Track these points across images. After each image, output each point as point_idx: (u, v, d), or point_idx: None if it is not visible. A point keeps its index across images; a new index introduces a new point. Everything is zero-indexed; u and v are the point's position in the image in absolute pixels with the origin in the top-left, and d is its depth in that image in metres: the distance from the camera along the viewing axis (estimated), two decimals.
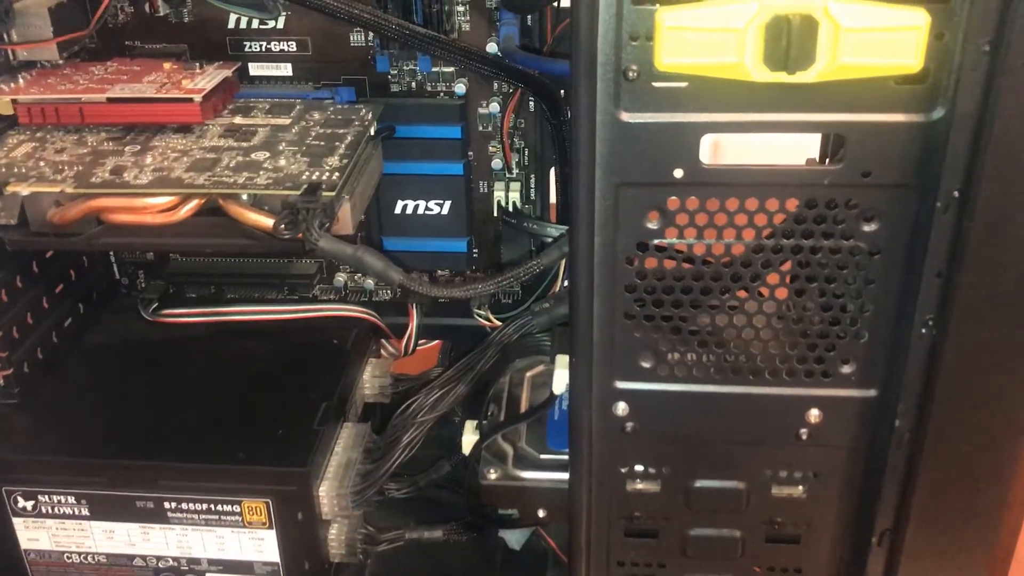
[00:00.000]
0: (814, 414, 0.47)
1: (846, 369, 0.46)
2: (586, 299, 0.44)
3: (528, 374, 0.59)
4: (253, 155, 0.51)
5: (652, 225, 0.42)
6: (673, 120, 0.40)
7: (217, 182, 0.48)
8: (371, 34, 0.58)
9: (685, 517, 0.51)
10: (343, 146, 0.52)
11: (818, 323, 0.45)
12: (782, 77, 0.38)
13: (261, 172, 0.49)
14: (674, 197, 0.42)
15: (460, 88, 0.60)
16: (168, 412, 0.57)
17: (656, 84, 0.39)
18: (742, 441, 0.49)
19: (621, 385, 0.47)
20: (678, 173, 0.41)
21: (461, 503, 0.65)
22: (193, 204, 0.48)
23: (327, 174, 0.49)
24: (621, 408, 0.47)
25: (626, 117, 0.40)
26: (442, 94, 0.60)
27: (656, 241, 0.43)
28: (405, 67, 0.60)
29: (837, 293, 0.44)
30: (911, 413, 0.46)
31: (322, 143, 0.52)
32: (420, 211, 0.63)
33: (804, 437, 0.48)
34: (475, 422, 0.59)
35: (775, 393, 0.47)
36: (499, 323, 0.63)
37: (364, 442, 0.58)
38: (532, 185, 0.63)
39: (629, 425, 0.48)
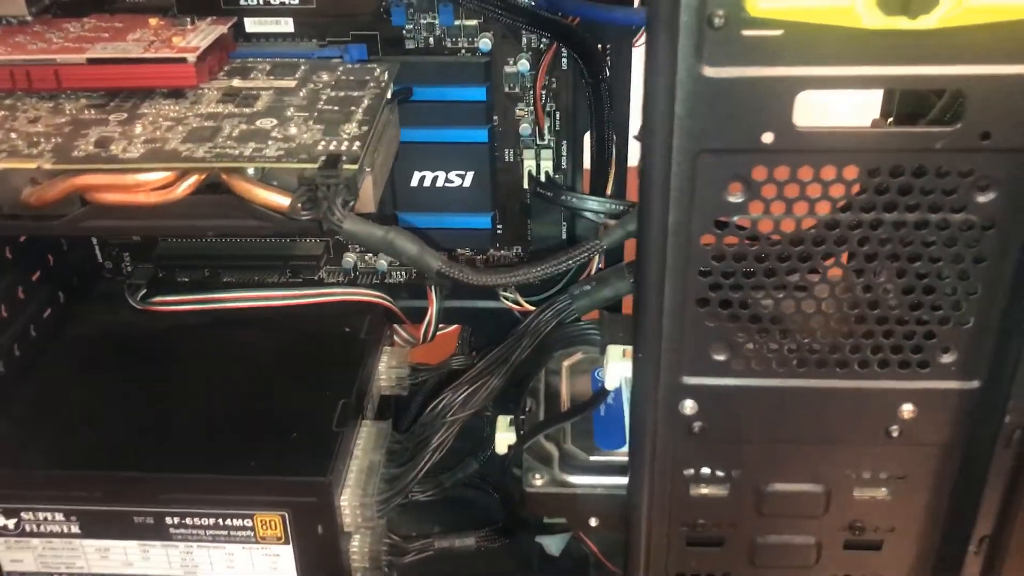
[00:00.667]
0: (907, 409, 0.42)
1: (946, 359, 0.41)
2: (656, 285, 0.39)
3: (565, 363, 0.54)
4: (258, 123, 0.45)
5: (733, 198, 0.37)
6: (764, 75, 0.35)
7: (220, 154, 0.42)
8: None
9: (755, 523, 0.46)
10: (360, 111, 0.46)
11: (918, 307, 0.40)
12: (899, 23, 0.33)
13: (270, 142, 0.43)
14: (761, 165, 0.36)
15: (485, 44, 0.54)
16: (166, 415, 0.52)
17: (746, 33, 0.34)
18: (824, 440, 0.44)
19: (689, 381, 0.42)
20: (767, 137, 0.36)
21: (491, 504, 0.60)
22: (193, 180, 0.42)
23: (346, 143, 0.43)
24: (689, 406, 0.42)
25: (709, 72, 0.34)
26: (463, 51, 0.54)
27: (737, 218, 0.37)
28: (422, 20, 0.54)
29: (943, 274, 0.39)
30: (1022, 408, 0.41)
31: (336, 108, 0.47)
32: (439, 183, 0.57)
33: (895, 435, 0.44)
34: (509, 418, 0.54)
35: (865, 387, 0.42)
36: (530, 307, 0.58)
37: (386, 442, 0.53)
38: (564, 153, 0.57)
39: (697, 425, 0.43)
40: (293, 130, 0.44)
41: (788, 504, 0.46)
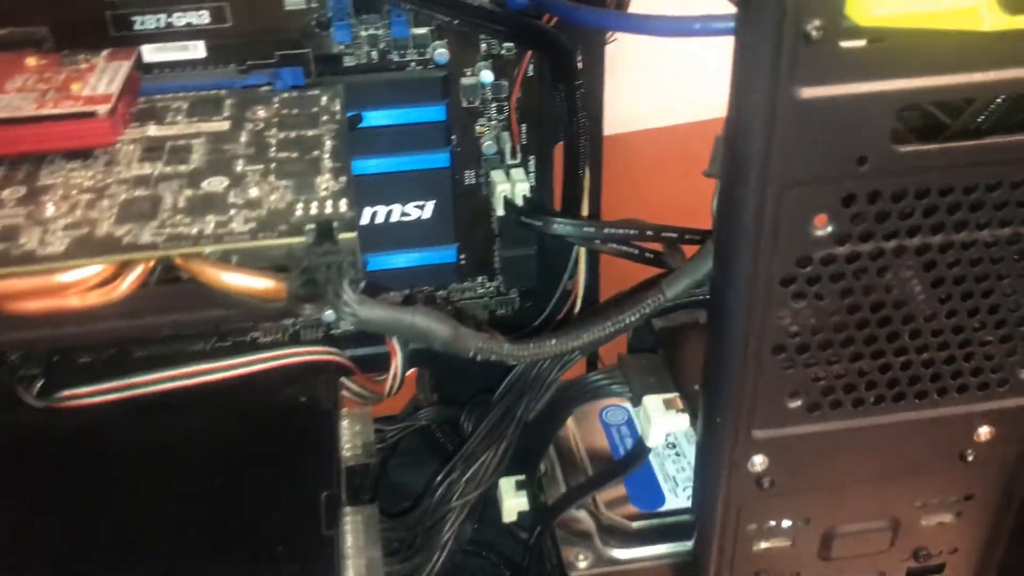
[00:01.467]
0: (984, 432, 0.39)
1: (1023, 374, 0.38)
2: (740, 335, 0.33)
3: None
4: (205, 184, 0.37)
5: (820, 232, 0.32)
6: (862, 92, 0.30)
7: (175, 237, 0.34)
8: None
9: (818, 569, 0.43)
10: (327, 156, 0.38)
11: (1002, 325, 0.36)
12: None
13: (232, 212, 0.35)
14: (853, 193, 0.32)
15: (441, 55, 0.47)
16: (108, 541, 0.43)
17: (845, 45, 0.29)
18: (896, 474, 0.40)
19: (760, 435, 0.37)
20: (864, 162, 0.31)
21: (487, 567, 0.54)
22: (139, 272, 0.33)
23: (329, 203, 0.35)
24: (759, 462, 0.38)
25: (806, 93, 0.29)
26: (414, 64, 0.47)
27: (821, 253, 0.33)
28: (363, 32, 0.46)
29: (1014, 286, 0.35)
30: None
31: (295, 155, 0.38)
32: (395, 218, 0.50)
33: (970, 459, 0.40)
34: (514, 479, 0.48)
35: (942, 414, 0.38)
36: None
37: (378, 532, 0.46)
38: (532, 169, 0.51)
39: (766, 480, 0.38)
40: (255, 192, 0.36)
41: (853, 545, 0.42)
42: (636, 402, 0.42)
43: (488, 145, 0.50)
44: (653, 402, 0.41)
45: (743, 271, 0.32)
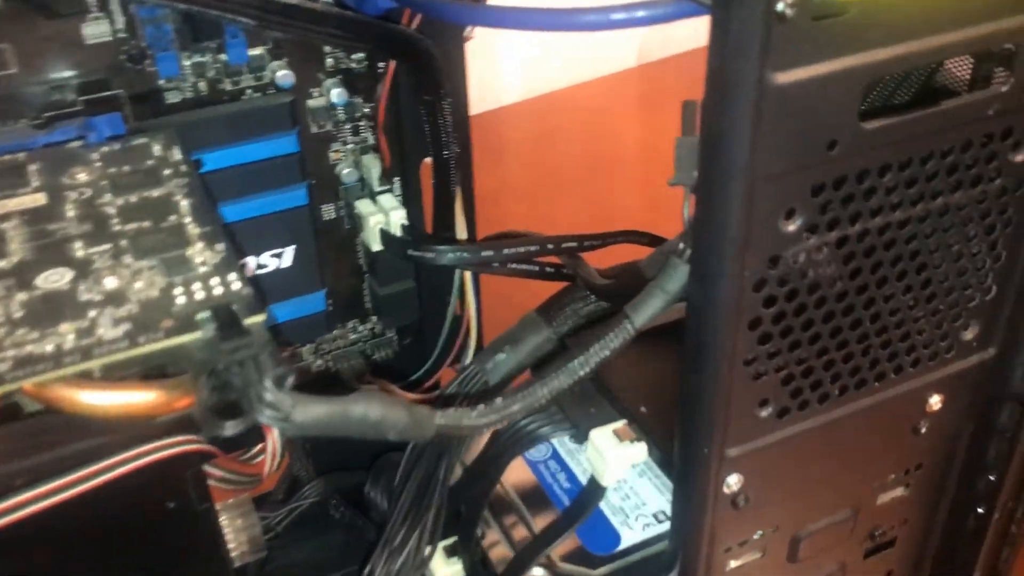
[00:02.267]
0: (935, 401, 0.39)
1: (968, 335, 0.38)
2: (722, 352, 0.30)
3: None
4: (40, 282, 0.29)
5: (791, 227, 0.29)
6: (834, 70, 0.27)
7: (24, 361, 0.26)
8: (121, 19, 0.36)
9: (787, 572, 0.40)
10: (188, 218, 0.31)
11: (951, 291, 0.35)
12: None
13: (92, 313, 0.27)
14: (822, 181, 0.29)
15: (284, 76, 0.40)
16: None
17: (818, 21, 0.26)
18: (856, 461, 0.39)
19: (734, 452, 0.34)
20: (833, 146, 0.28)
21: None
22: None
23: (215, 280, 0.29)
24: (734, 482, 0.35)
25: (782, 79, 0.26)
26: (251, 91, 0.40)
27: (792, 250, 0.30)
28: (187, 61, 0.38)
29: (976, 249, 0.34)
30: None
31: (145, 223, 0.31)
32: (248, 273, 0.43)
33: (923, 430, 0.39)
34: (443, 545, 0.42)
35: (898, 392, 0.37)
36: (406, 394, 0.46)
37: None
38: (398, 192, 0.46)
39: (741, 499, 0.36)
40: (112, 281, 0.28)
41: (819, 541, 0.40)
42: (581, 439, 0.38)
43: (348, 173, 0.44)
44: (603, 437, 0.37)
45: (727, 283, 0.29)
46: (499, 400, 0.30)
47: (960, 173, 0.32)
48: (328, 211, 0.45)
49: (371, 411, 0.27)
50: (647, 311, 0.30)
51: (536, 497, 0.43)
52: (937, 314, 0.36)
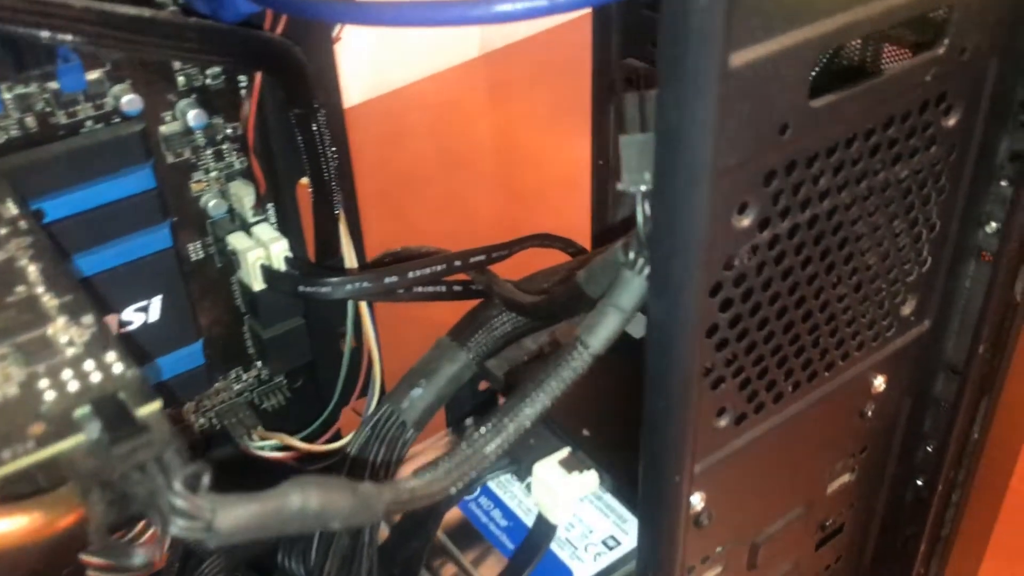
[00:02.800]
0: (879, 382, 0.37)
1: (907, 309, 0.36)
2: (690, 367, 0.27)
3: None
4: None
5: (744, 223, 0.27)
6: (785, 46, 0.25)
7: None
8: None
9: None
10: (41, 287, 0.26)
11: (891, 266, 0.34)
12: None
13: None
14: (773, 168, 0.27)
15: (131, 102, 0.34)
16: None
17: None
18: (808, 457, 0.37)
19: (698, 469, 0.31)
20: (785, 130, 0.26)
21: None
22: None
23: (89, 363, 0.23)
24: (697, 500, 0.32)
25: (737, 60, 0.23)
26: (91, 123, 0.34)
27: (745, 247, 0.27)
28: (6, 95, 0.32)
29: (913, 222, 0.33)
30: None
31: None
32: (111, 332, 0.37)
33: (868, 413, 0.38)
34: None
35: (845, 378, 0.35)
36: (306, 446, 0.41)
37: None
38: (273, 220, 0.40)
39: (705, 517, 0.33)
40: None
41: (777, 544, 0.38)
42: (524, 475, 0.34)
43: (215, 205, 0.38)
44: (548, 470, 0.33)
45: (692, 292, 0.26)
46: (447, 463, 0.26)
47: (900, 145, 0.30)
48: (195, 250, 0.39)
49: (309, 501, 0.22)
50: (603, 333, 0.27)
51: (472, 541, 0.39)
52: (880, 293, 0.34)
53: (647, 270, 0.26)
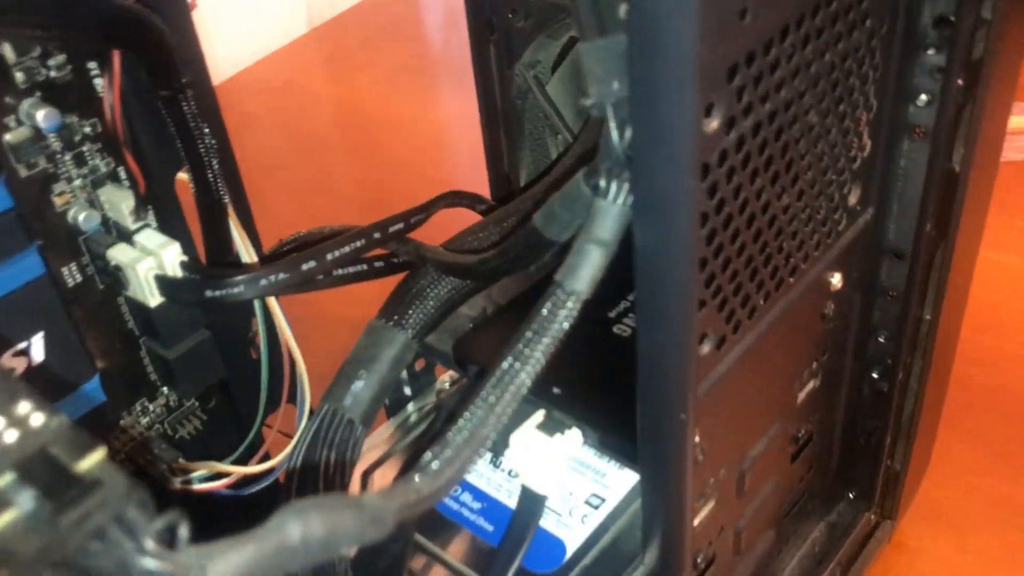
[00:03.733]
0: (836, 280, 0.36)
1: (853, 198, 0.35)
2: (678, 294, 0.25)
3: None
4: None
5: (713, 126, 0.24)
6: None
7: None
8: None
9: (736, 511, 0.37)
10: None
11: (838, 155, 0.32)
12: None
13: None
14: (735, 61, 0.24)
15: None
16: None
17: None
18: (781, 368, 0.35)
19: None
20: (744, 14, 0.24)
21: None
22: None
23: None
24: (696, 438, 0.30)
25: None
26: None
27: (715, 153, 0.25)
28: None
29: (854, 104, 0.32)
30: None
31: None
32: None
33: (829, 313, 0.37)
34: None
35: (807, 281, 0.34)
36: (243, 468, 0.37)
37: None
38: (153, 222, 0.35)
39: (699, 452, 0.31)
40: None
41: (760, 467, 0.37)
42: (500, 448, 0.31)
43: (85, 217, 0.33)
44: (527, 437, 0.31)
45: (682, 208, 0.23)
46: (448, 449, 0.22)
47: (841, 22, 0.29)
48: (71, 274, 0.34)
49: (312, 530, 0.18)
50: (588, 273, 0.24)
51: (447, 531, 0.36)
52: (831, 185, 0.33)
53: (626, 194, 0.23)
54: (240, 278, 0.32)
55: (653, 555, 0.31)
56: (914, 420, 0.44)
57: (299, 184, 0.96)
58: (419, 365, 0.42)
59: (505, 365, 0.23)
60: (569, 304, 0.24)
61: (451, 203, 0.41)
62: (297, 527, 0.18)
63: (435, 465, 0.22)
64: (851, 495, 0.48)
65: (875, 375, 0.43)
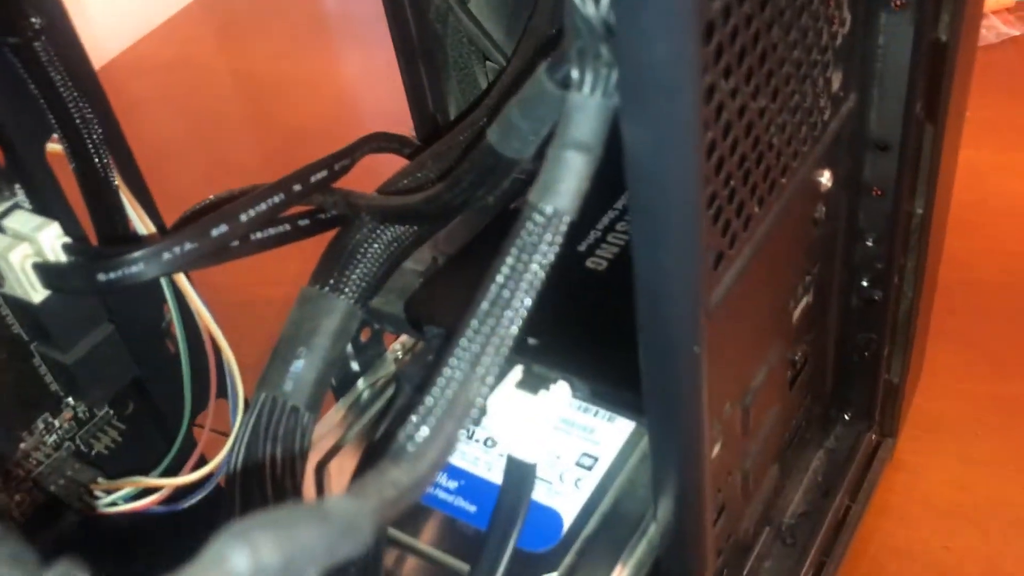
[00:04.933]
0: (825, 179, 0.32)
1: (836, 83, 0.31)
2: (684, 194, 0.21)
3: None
4: None
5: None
6: None
7: None
8: None
9: (744, 451, 0.33)
10: None
11: (820, 33, 0.28)
12: None
13: None
14: None
15: None
16: None
17: None
18: (775, 283, 0.32)
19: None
20: None
21: None
22: None
23: None
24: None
25: None
26: None
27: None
28: None
29: None
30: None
31: None
32: None
33: (820, 217, 0.33)
34: None
35: (797, 181, 0.30)
36: (174, 480, 0.32)
37: None
38: (27, 204, 0.30)
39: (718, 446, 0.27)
40: None
41: (762, 400, 0.33)
42: (478, 416, 0.27)
43: None
44: (508, 398, 0.26)
45: (684, 91, 0.19)
46: (423, 423, 0.18)
47: None
48: None
49: (263, 556, 0.14)
50: (570, 185, 0.19)
51: (424, 518, 0.31)
52: (815, 67, 0.29)
53: (607, 81, 0.19)
54: (138, 254, 0.26)
55: (667, 511, 0.27)
56: (909, 326, 0.41)
57: (201, 166, 0.89)
58: (364, 335, 0.37)
59: (484, 307, 0.19)
60: (552, 226, 0.19)
61: (377, 147, 0.36)
62: (243, 557, 0.14)
63: (411, 447, 0.17)
64: (847, 417, 0.45)
65: (865, 283, 0.40)
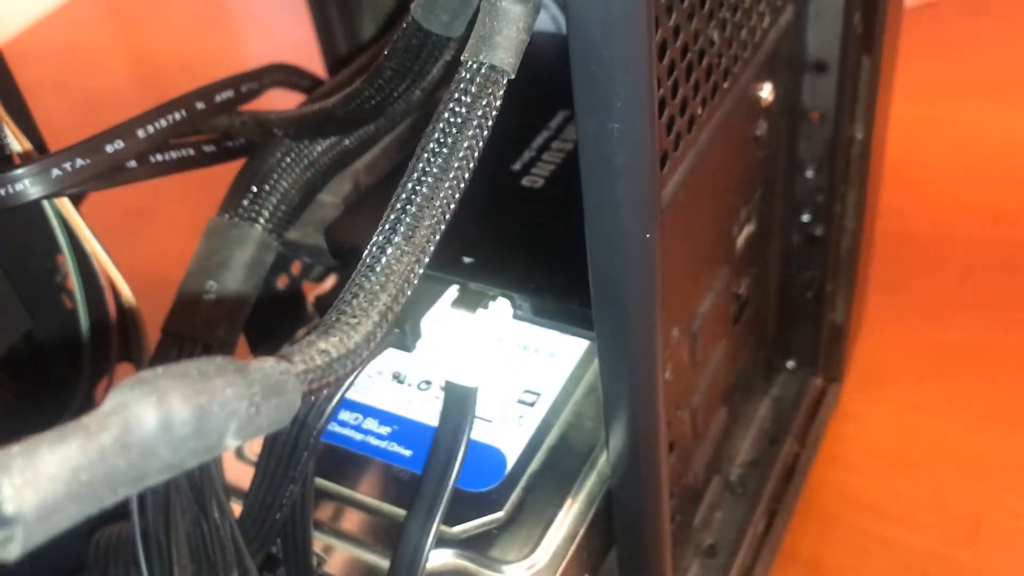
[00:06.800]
0: (766, 93, 0.32)
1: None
2: (633, 74, 0.19)
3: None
4: None
5: None
6: None
7: None
8: None
9: (691, 381, 0.32)
10: None
11: None
12: None
13: None
14: None
15: None
16: None
17: None
18: (720, 199, 0.31)
19: None
20: None
21: None
22: None
23: None
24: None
25: None
26: None
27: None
28: None
29: None
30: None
31: None
32: None
33: (761, 135, 0.32)
34: None
35: (739, 91, 0.30)
36: None
37: None
38: None
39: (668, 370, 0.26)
40: None
41: (708, 327, 0.32)
42: (413, 339, 0.25)
43: None
44: (446, 318, 0.24)
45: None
46: (360, 294, 0.16)
47: None
48: None
49: (174, 409, 0.12)
50: (506, 36, 0.17)
51: (357, 467, 0.29)
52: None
53: None
54: (21, 171, 0.24)
55: (620, 435, 0.25)
56: (852, 263, 0.41)
57: None
58: (282, 282, 0.35)
59: (417, 173, 0.17)
60: (493, 79, 0.18)
61: (285, 79, 0.34)
62: (151, 409, 0.12)
63: (343, 319, 0.15)
64: (792, 364, 0.44)
65: (807, 218, 0.39)
